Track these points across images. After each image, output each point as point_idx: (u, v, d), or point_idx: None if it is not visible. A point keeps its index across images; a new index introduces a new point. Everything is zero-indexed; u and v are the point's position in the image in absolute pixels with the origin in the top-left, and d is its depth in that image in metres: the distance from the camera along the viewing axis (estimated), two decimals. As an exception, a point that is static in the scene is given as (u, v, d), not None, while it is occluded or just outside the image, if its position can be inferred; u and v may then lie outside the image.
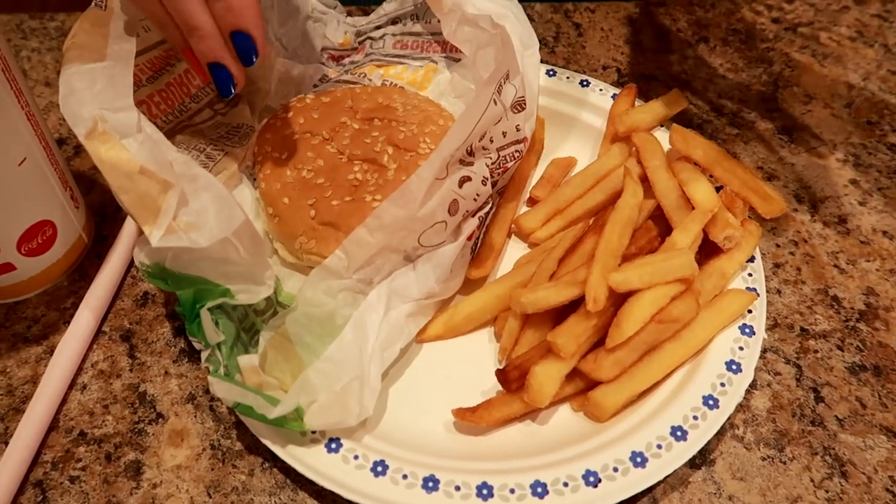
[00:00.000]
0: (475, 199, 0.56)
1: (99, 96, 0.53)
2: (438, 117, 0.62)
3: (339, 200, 0.57)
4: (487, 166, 0.57)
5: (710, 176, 0.62)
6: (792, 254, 0.65)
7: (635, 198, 0.58)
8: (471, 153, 0.56)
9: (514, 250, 0.65)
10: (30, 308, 0.61)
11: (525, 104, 0.58)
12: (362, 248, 0.55)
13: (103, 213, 0.67)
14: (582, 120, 0.72)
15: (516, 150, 0.59)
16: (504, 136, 0.58)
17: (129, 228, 0.64)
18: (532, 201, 0.67)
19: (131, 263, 0.63)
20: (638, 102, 0.70)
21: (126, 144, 0.52)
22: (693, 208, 0.59)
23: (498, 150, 0.58)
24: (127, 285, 0.62)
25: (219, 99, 0.68)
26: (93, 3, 0.58)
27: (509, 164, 0.59)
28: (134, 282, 0.63)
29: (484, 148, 0.57)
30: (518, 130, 0.59)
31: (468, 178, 0.55)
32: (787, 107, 0.78)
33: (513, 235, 0.66)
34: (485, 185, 0.56)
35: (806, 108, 0.78)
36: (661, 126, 0.69)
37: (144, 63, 0.61)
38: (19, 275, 0.58)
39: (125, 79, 0.53)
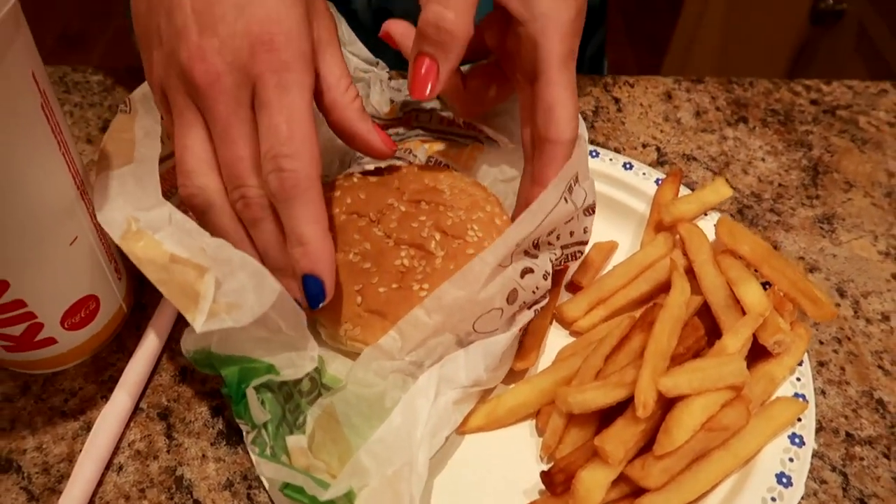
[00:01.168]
0: (534, 292, 0.56)
1: (130, 198, 0.54)
2: (486, 203, 0.62)
3: (385, 288, 0.57)
4: (551, 261, 0.57)
5: (755, 270, 0.62)
6: (835, 352, 0.65)
7: (683, 295, 0.57)
8: (536, 246, 0.56)
9: (556, 338, 0.64)
10: (67, 380, 0.60)
11: (595, 209, 0.59)
12: (418, 328, 0.54)
13: (141, 278, 0.66)
14: (624, 203, 0.72)
15: (578, 251, 0.60)
16: (571, 236, 0.59)
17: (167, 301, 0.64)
18: (573, 286, 0.67)
19: (170, 337, 0.62)
20: (682, 189, 0.70)
21: (159, 238, 0.53)
22: (741, 307, 0.58)
23: (563, 247, 0.58)
24: (165, 359, 0.62)
25: None
26: (118, 109, 0.58)
27: (570, 263, 0.60)
28: (172, 355, 0.62)
29: (549, 243, 0.57)
30: (585, 232, 0.60)
31: (530, 270, 0.55)
32: (828, 194, 0.78)
33: (553, 322, 0.65)
34: (545, 279, 0.56)
35: (846, 196, 0.78)
36: (705, 214, 0.69)
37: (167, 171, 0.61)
38: (59, 348, 0.58)
39: (152, 177, 0.55)
